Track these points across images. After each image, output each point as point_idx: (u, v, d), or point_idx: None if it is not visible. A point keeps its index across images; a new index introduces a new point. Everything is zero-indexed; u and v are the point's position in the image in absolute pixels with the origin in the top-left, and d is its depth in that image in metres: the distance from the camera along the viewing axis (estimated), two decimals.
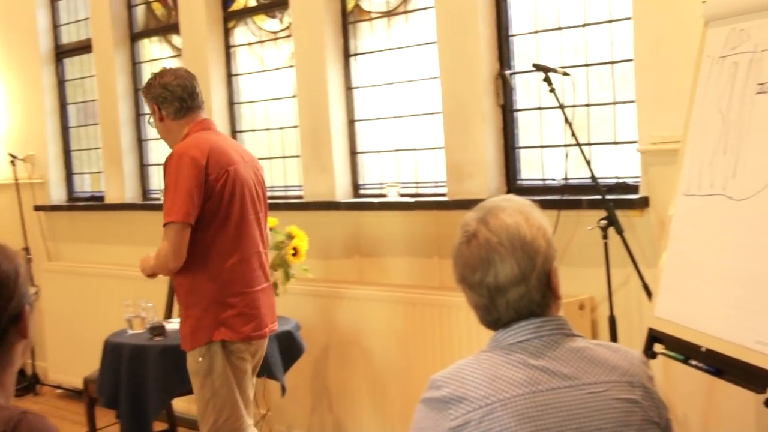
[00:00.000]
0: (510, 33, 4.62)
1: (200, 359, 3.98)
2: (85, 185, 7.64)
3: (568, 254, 4.19)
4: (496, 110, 4.62)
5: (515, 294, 1.89)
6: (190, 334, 4.01)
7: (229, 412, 3.96)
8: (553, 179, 4.47)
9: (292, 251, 4.66)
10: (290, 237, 4.68)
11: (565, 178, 4.28)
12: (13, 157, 7.33)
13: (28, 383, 7.24)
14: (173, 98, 4.08)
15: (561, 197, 4.26)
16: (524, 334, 1.92)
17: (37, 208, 7.47)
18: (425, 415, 1.91)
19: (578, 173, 4.28)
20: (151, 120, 4.23)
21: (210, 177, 3.91)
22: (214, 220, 3.94)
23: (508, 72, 4.58)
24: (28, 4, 7.53)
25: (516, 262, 1.87)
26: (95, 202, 7.30)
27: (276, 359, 4.45)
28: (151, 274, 4.11)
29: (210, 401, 3.96)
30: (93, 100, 7.31)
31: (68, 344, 6.95)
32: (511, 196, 2.07)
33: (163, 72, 4.22)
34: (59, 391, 7.22)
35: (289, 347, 4.57)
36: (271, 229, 4.69)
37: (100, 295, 6.55)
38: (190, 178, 3.87)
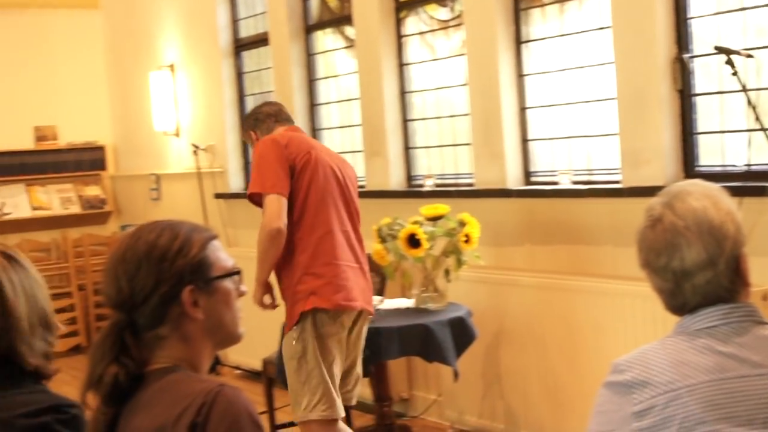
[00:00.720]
0: (688, 15, 4.40)
1: (294, 342, 4.12)
2: None
3: (751, 243, 3.94)
4: (674, 95, 4.41)
5: (702, 279, 1.83)
6: (289, 313, 4.20)
7: (322, 392, 4.05)
8: (735, 165, 4.27)
9: (464, 238, 4.60)
10: (462, 224, 4.62)
11: (748, 164, 4.09)
12: (196, 147, 7.50)
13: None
14: (265, 117, 4.50)
15: (743, 184, 4.05)
16: (711, 320, 1.86)
17: (218, 195, 7.62)
18: (608, 399, 1.85)
19: (761, 159, 4.07)
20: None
21: (291, 156, 4.17)
22: (299, 196, 4.15)
23: (686, 55, 4.38)
24: (209, 1, 7.69)
25: (703, 246, 1.82)
26: None
27: (449, 344, 4.43)
28: (263, 259, 4.24)
29: (305, 383, 4.07)
30: (269, 91, 7.41)
31: (247, 327, 7.02)
32: (698, 181, 2.00)
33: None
34: (238, 372, 7.35)
35: (461, 333, 4.54)
36: (441, 217, 4.66)
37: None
38: (273, 157, 4.16)
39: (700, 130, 4.45)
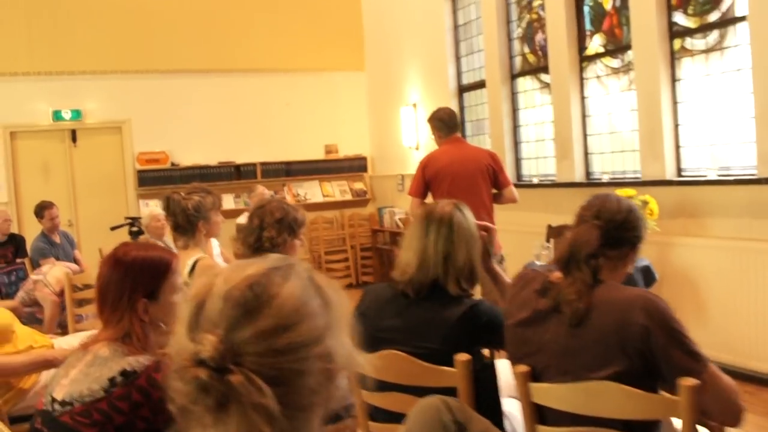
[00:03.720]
0: None
1: None
2: None
3: None
4: None
5: None
6: None
7: None
8: None
9: (650, 212, 4.51)
10: (645, 202, 4.53)
11: None
12: None
13: None
14: (440, 125, 4.71)
15: None
16: None
17: None
18: None
19: None
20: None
21: (425, 171, 4.63)
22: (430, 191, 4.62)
23: None
24: (441, 61, 7.80)
25: None
26: None
27: (641, 284, 4.28)
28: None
29: None
30: (482, 119, 7.46)
31: None
32: None
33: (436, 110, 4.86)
34: None
35: (647, 277, 4.39)
36: (631, 198, 4.58)
37: None
38: (417, 173, 4.68)
39: None
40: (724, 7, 4.68)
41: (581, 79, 5.94)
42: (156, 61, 8.43)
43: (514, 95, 6.85)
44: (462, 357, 2.01)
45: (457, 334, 2.07)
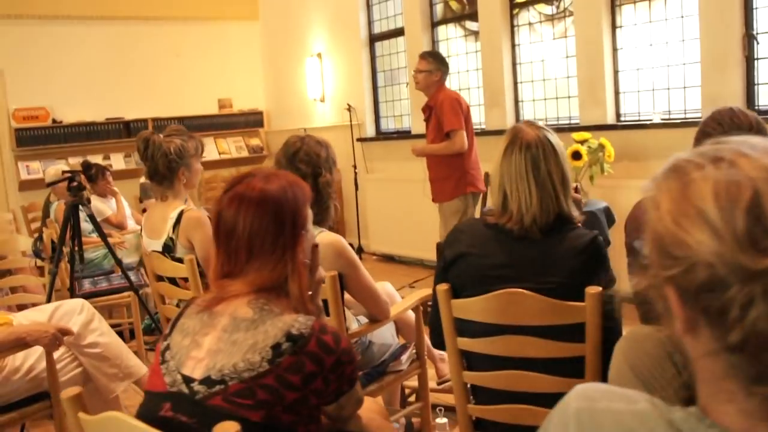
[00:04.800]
0: (754, 6, 4.42)
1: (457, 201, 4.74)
2: (389, 124, 7.73)
3: None
4: (743, 59, 4.46)
5: None
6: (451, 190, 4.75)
7: None
8: None
9: (607, 154, 4.59)
10: (602, 146, 4.62)
11: None
12: (349, 105, 7.42)
13: (356, 250, 7.43)
14: (446, 71, 4.95)
15: None
16: None
17: (359, 139, 7.58)
18: None
19: None
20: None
21: (463, 106, 4.77)
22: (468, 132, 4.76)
23: (752, 32, 4.42)
24: (351, 9, 7.56)
25: None
26: (398, 134, 7.38)
27: (605, 224, 4.38)
28: (423, 154, 4.96)
29: None
30: (395, 69, 7.35)
31: (382, 224, 7.10)
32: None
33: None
34: (375, 257, 7.41)
35: (609, 217, 4.46)
36: (586, 141, 4.67)
37: (401, 192, 6.64)
38: (460, 109, 4.72)
39: (760, 82, 4.50)
40: None
41: (512, 26, 5.96)
42: (32, 5, 7.54)
43: (435, 43, 6.78)
44: (593, 290, 1.93)
45: (583, 265, 1.98)
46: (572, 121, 5.57)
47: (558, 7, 5.62)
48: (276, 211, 1.48)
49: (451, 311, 2.07)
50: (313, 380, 1.36)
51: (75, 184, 3.95)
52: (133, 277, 4.48)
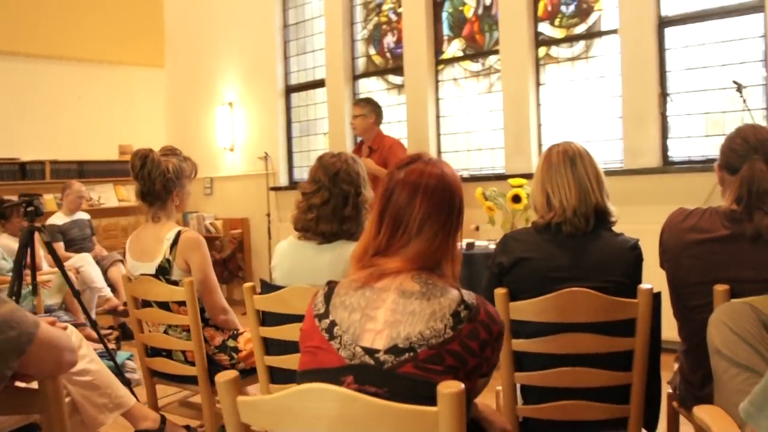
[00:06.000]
0: (667, 70, 4.98)
1: None
2: (303, 174, 7.78)
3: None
4: (658, 115, 4.99)
5: None
6: None
7: None
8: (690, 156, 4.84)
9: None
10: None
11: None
12: (266, 154, 7.44)
13: None
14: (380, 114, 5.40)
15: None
16: None
17: (272, 188, 7.59)
18: None
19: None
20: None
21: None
22: None
23: (666, 92, 4.96)
24: (268, 60, 7.66)
25: None
26: None
27: None
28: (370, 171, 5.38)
29: None
30: (311, 120, 7.48)
31: None
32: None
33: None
34: None
35: None
36: (522, 186, 4.95)
37: None
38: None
39: (673, 136, 5.04)
40: (590, 21, 5.35)
41: (437, 81, 6.29)
42: None
43: (356, 95, 6.99)
44: (645, 287, 2.13)
45: (633, 265, 2.19)
46: (496, 171, 5.91)
47: (484, 65, 6.02)
48: (449, 197, 1.55)
49: (508, 314, 2.20)
50: (486, 348, 1.42)
51: (31, 209, 3.76)
52: (65, 318, 4.25)
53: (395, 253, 1.51)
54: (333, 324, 1.46)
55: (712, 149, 4.82)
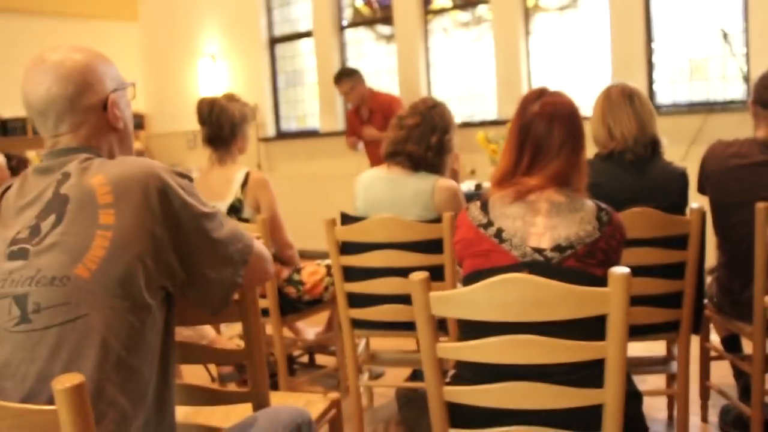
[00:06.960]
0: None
1: None
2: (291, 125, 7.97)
3: None
4: (645, 63, 5.35)
5: None
6: None
7: None
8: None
9: None
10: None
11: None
12: (255, 105, 7.52)
13: None
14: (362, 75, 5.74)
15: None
16: None
17: (261, 139, 7.75)
18: None
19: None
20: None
21: None
22: None
23: (653, 44, 5.30)
24: (251, 12, 7.72)
25: None
26: (301, 134, 7.68)
27: None
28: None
29: None
30: (298, 70, 7.62)
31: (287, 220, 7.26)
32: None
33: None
34: None
35: None
36: None
37: (304, 189, 6.97)
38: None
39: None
40: None
41: (426, 31, 6.51)
42: None
43: (344, 45, 7.15)
44: (696, 206, 2.48)
45: (683, 188, 2.54)
46: (490, 116, 6.22)
47: (473, 15, 6.26)
48: (579, 122, 1.84)
49: None
50: (621, 245, 1.76)
51: (14, 164, 3.98)
52: None
53: (537, 173, 1.81)
54: (500, 230, 1.75)
55: (697, 93, 5.21)
